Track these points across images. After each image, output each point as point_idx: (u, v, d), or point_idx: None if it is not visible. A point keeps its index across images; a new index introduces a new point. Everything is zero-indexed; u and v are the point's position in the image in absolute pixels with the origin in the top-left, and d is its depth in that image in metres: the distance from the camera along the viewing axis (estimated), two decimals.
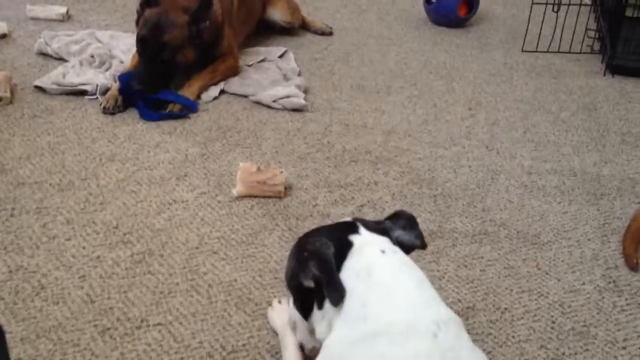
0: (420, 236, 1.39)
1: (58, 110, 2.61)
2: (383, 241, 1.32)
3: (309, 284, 1.29)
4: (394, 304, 1.21)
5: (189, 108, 2.66)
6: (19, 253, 1.84)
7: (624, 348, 1.69)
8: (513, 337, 1.69)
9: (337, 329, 1.25)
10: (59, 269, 1.79)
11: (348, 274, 1.25)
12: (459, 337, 1.20)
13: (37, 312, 1.64)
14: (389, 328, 1.18)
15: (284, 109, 2.74)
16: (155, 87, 2.66)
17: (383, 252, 1.28)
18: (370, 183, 2.31)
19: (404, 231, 1.37)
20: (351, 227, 1.34)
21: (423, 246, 1.40)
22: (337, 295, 1.23)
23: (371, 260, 1.27)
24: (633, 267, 1.96)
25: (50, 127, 2.50)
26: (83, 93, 2.71)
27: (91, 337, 1.59)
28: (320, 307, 1.31)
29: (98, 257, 1.86)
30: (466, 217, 2.16)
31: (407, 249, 1.36)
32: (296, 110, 2.74)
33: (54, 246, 1.88)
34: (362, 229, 1.33)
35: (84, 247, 1.89)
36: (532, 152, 2.58)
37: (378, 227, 1.37)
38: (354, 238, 1.31)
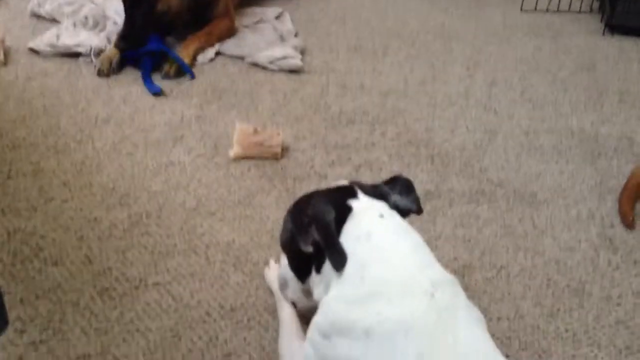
0: (416, 201, 1.39)
1: (52, 72, 2.59)
2: (381, 206, 1.32)
3: (308, 249, 1.29)
4: (391, 266, 1.22)
5: (187, 73, 2.64)
6: (17, 215, 1.84)
7: (619, 305, 1.70)
8: (509, 294, 1.71)
9: (334, 288, 1.26)
10: (56, 231, 1.80)
11: (347, 238, 1.26)
12: (455, 297, 1.21)
13: (36, 273, 1.65)
14: (386, 288, 1.19)
15: (281, 70, 2.72)
16: (138, 40, 2.62)
17: (381, 216, 1.29)
18: (367, 144, 2.30)
19: (400, 196, 1.37)
20: (349, 192, 1.34)
21: (419, 211, 1.40)
22: (340, 260, 1.24)
23: (370, 225, 1.27)
24: (629, 225, 1.97)
25: (45, 89, 2.48)
26: (77, 55, 2.68)
27: (90, 297, 1.60)
28: (319, 271, 1.31)
29: (95, 218, 1.86)
30: (463, 177, 2.16)
31: (403, 213, 1.36)
32: (293, 71, 2.72)
33: (51, 208, 1.88)
34: (360, 194, 1.33)
35: (81, 209, 1.89)
36: (530, 112, 2.57)
37: (375, 192, 1.37)
38: (352, 203, 1.30)
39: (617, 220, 2.00)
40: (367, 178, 2.10)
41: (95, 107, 2.40)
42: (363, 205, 1.31)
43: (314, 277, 1.34)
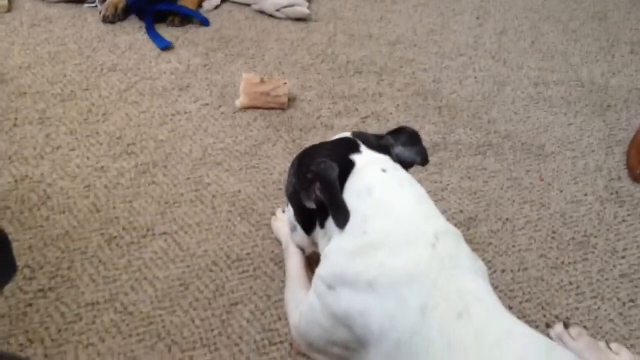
0: (421, 153, 1.37)
1: (57, 18, 2.56)
2: (384, 160, 1.30)
3: (312, 206, 1.29)
4: (393, 218, 1.22)
5: (201, 22, 2.60)
6: (24, 163, 1.84)
7: (624, 258, 1.71)
8: (514, 246, 1.72)
9: (337, 240, 1.26)
10: (64, 179, 1.80)
11: (349, 194, 1.25)
12: (457, 247, 1.21)
13: (44, 221, 1.66)
14: (388, 240, 1.19)
15: (287, 18, 2.68)
16: None
17: (384, 171, 1.27)
18: (375, 94, 2.28)
19: (404, 148, 1.36)
20: (353, 146, 1.32)
21: (423, 163, 1.38)
22: (343, 218, 1.24)
23: (372, 180, 1.26)
24: (636, 179, 1.96)
25: (50, 36, 2.45)
26: (82, 1, 2.64)
27: (98, 245, 1.61)
28: (323, 226, 1.32)
29: (102, 167, 1.87)
30: (471, 129, 2.14)
31: (407, 165, 1.35)
32: (300, 19, 2.68)
33: (59, 156, 1.88)
34: (363, 148, 1.31)
35: (88, 158, 1.89)
36: (539, 62, 2.53)
37: (379, 144, 1.35)
38: (355, 158, 1.29)
39: (624, 173, 1.99)
40: (374, 129, 2.09)
41: (100, 55, 2.38)
42: (366, 160, 1.29)
43: (318, 231, 1.35)
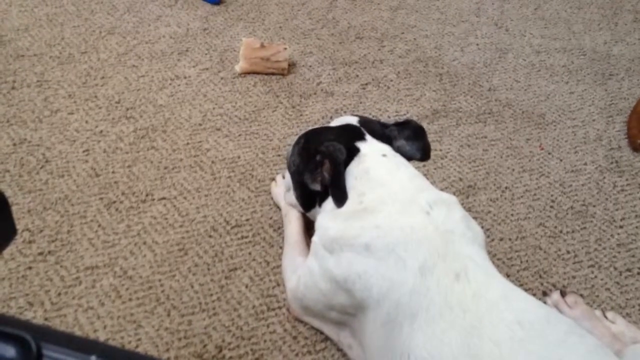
0: (422, 148, 1.40)
1: None
2: (385, 148, 1.34)
3: (316, 187, 1.32)
4: (388, 189, 1.25)
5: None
6: (22, 126, 1.83)
7: (621, 227, 1.72)
8: (512, 215, 1.72)
9: (334, 210, 1.28)
10: (62, 143, 1.80)
11: (349, 177, 1.29)
12: (451, 214, 1.22)
13: (43, 185, 1.66)
14: (383, 206, 1.21)
15: None
16: None
17: (384, 155, 1.31)
18: (375, 61, 2.27)
19: (406, 141, 1.39)
20: (358, 133, 1.36)
21: (422, 158, 1.41)
22: (341, 198, 1.27)
23: (371, 163, 1.30)
24: (636, 148, 1.96)
25: None
26: None
27: (97, 209, 1.61)
28: (321, 205, 1.35)
29: (101, 131, 1.86)
30: (471, 97, 2.13)
31: (407, 158, 1.37)
32: None
33: (57, 120, 1.87)
34: (367, 136, 1.35)
35: (86, 122, 1.88)
36: (542, 30, 2.51)
37: (382, 133, 1.38)
38: (360, 145, 1.33)
39: (624, 142, 1.99)
40: (374, 96, 2.08)
41: (99, 17, 2.35)
42: (369, 148, 1.33)
43: (317, 209, 1.38)
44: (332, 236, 1.24)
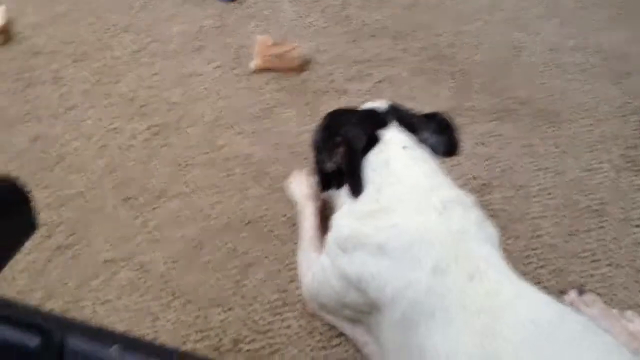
0: (446, 143, 1.36)
1: None
2: (407, 139, 1.32)
3: (330, 167, 1.31)
4: (403, 187, 1.24)
5: None
6: (38, 123, 1.84)
7: (638, 226, 1.70)
8: (527, 213, 1.71)
9: (349, 205, 1.27)
10: (78, 140, 1.80)
11: (368, 166, 1.28)
12: (466, 213, 1.21)
13: (59, 181, 1.67)
14: (398, 206, 1.21)
15: None
16: None
17: (405, 147, 1.29)
18: (389, 59, 2.26)
19: (431, 134, 1.35)
20: (382, 120, 1.34)
21: (448, 153, 1.37)
22: (357, 188, 1.27)
23: (391, 155, 1.28)
24: None
25: None
26: None
27: (113, 205, 1.62)
28: (338, 188, 1.34)
29: (115, 128, 1.86)
30: (486, 95, 2.12)
31: (431, 151, 1.35)
32: None
33: (72, 117, 1.88)
34: (392, 124, 1.33)
35: (101, 119, 1.89)
36: (557, 28, 2.49)
37: (409, 122, 1.35)
38: (382, 133, 1.31)
39: None
40: (388, 94, 2.07)
41: (113, 15, 2.36)
42: (391, 137, 1.31)
43: (333, 191, 1.37)
44: (345, 235, 1.24)
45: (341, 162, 1.29)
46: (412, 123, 1.35)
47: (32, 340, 0.45)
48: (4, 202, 0.56)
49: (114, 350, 0.44)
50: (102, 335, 0.46)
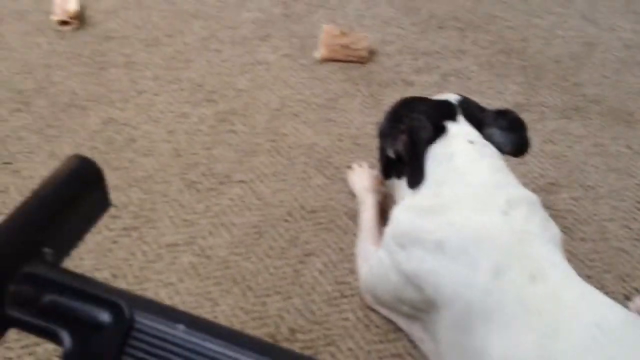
0: (516, 142, 1.33)
1: None
2: (475, 133, 1.30)
3: (391, 154, 1.31)
4: (466, 184, 1.22)
5: None
6: (110, 106, 1.89)
7: None
8: (595, 215, 1.67)
9: (409, 199, 1.27)
10: (148, 123, 1.85)
11: (432, 158, 1.26)
12: (530, 214, 1.18)
13: (129, 163, 1.71)
14: (459, 203, 1.19)
15: None
16: None
17: (471, 142, 1.27)
18: (457, 51, 2.23)
19: (500, 131, 1.33)
20: (451, 112, 1.32)
21: (515, 153, 1.34)
22: (416, 180, 1.26)
23: (456, 149, 1.26)
24: None
25: None
26: None
27: (178, 189, 1.65)
28: (399, 177, 1.34)
29: (184, 113, 1.90)
30: (556, 91, 2.07)
31: (498, 149, 1.32)
32: None
33: (143, 101, 1.93)
34: (460, 117, 1.32)
35: (170, 103, 1.93)
36: (633, 24, 2.41)
37: (477, 117, 1.33)
38: (449, 125, 1.29)
39: None
40: (455, 87, 2.05)
41: (184, 2, 2.40)
42: (457, 130, 1.29)
43: (394, 181, 1.36)
44: (403, 230, 1.23)
45: (403, 150, 1.28)
46: (480, 118, 1.33)
47: (103, 315, 0.46)
48: (80, 178, 0.58)
49: (181, 328, 0.46)
50: (170, 314, 0.47)
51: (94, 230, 1.30)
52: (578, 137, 1.90)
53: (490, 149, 1.29)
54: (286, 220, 1.60)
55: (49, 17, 2.18)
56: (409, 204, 1.27)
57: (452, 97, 1.38)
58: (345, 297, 1.43)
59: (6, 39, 2.11)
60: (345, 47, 2.12)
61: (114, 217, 1.55)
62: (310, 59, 2.15)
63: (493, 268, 1.09)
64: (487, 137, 1.31)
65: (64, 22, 2.15)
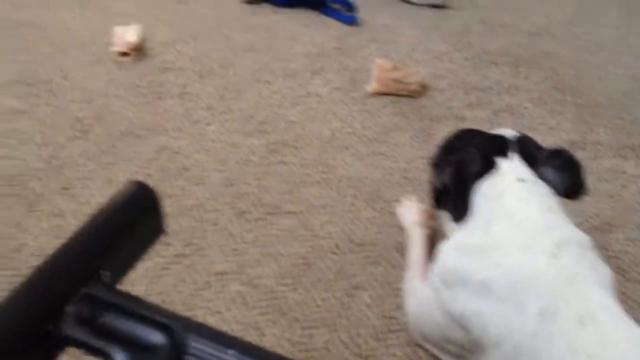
0: (571, 183, 1.29)
1: None
2: (526, 171, 1.28)
3: (437, 183, 1.30)
4: (516, 224, 1.19)
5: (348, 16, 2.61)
6: (165, 135, 1.93)
7: None
8: None
9: (457, 236, 1.25)
10: (200, 152, 1.88)
11: (480, 193, 1.25)
12: (580, 257, 1.15)
13: (180, 191, 1.74)
14: (508, 244, 1.16)
15: (423, 5, 2.64)
16: None
17: (521, 180, 1.25)
18: (510, 87, 2.21)
19: (553, 170, 1.29)
20: (503, 148, 1.30)
21: (567, 195, 1.29)
22: (458, 213, 1.25)
23: (505, 186, 1.24)
24: None
25: (193, 15, 2.56)
26: None
27: (228, 218, 1.67)
28: (446, 210, 1.32)
29: (235, 143, 1.93)
30: (611, 129, 2.03)
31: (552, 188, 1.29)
32: (436, 6, 2.63)
33: (196, 130, 1.96)
34: (512, 154, 1.29)
35: (222, 133, 1.96)
36: None
37: (532, 154, 1.31)
38: (501, 161, 1.28)
39: None
40: (508, 124, 2.03)
41: (237, 35, 2.46)
42: (509, 167, 1.27)
43: (442, 214, 1.36)
44: (449, 268, 1.21)
45: (449, 182, 1.27)
46: (536, 156, 1.31)
47: (157, 337, 0.47)
48: (138, 204, 0.60)
49: (232, 353, 0.46)
50: (222, 339, 0.47)
51: (145, 256, 1.32)
52: (633, 176, 1.85)
53: (541, 188, 1.27)
54: (334, 253, 1.60)
55: (108, 49, 2.26)
56: (456, 241, 1.25)
57: (509, 133, 1.36)
58: (393, 332, 1.41)
59: (68, 69, 2.18)
60: (397, 81, 2.13)
61: (166, 244, 1.57)
62: (361, 92, 2.16)
63: (541, 310, 1.07)
64: (541, 176, 1.28)
65: (123, 54, 2.22)
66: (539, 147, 1.34)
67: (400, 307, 1.46)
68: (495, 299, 1.11)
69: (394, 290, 1.50)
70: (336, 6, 2.61)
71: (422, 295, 1.32)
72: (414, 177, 1.82)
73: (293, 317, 1.42)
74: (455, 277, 1.19)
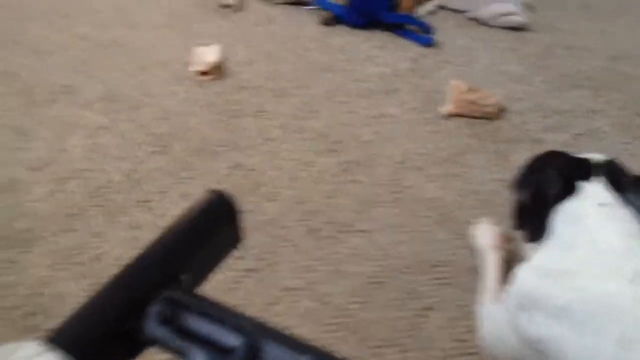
0: None
1: (278, 19, 2.72)
2: (608, 197, 1.24)
3: (518, 205, 1.31)
4: (594, 249, 1.16)
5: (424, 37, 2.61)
6: (239, 152, 1.97)
7: None
8: None
9: (534, 259, 1.22)
10: (273, 170, 1.90)
11: (559, 217, 1.22)
12: None
13: (254, 207, 1.76)
14: (586, 269, 1.13)
15: (501, 27, 2.61)
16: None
17: (602, 205, 1.22)
18: (590, 111, 2.15)
19: (638, 197, 1.25)
20: (586, 171, 1.27)
21: None
22: (535, 235, 1.23)
23: (585, 211, 1.21)
24: None
25: (270, 36, 2.61)
26: (303, 4, 2.78)
27: (299, 235, 1.68)
28: (524, 229, 1.31)
29: (308, 162, 1.94)
30: None
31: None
32: (513, 28, 2.60)
33: (270, 148, 1.99)
34: (596, 178, 1.26)
35: (295, 152, 1.98)
36: None
37: (618, 180, 1.27)
38: (582, 185, 1.25)
39: None
40: (586, 148, 1.96)
41: (313, 55, 2.49)
42: (589, 190, 1.24)
43: (520, 234, 1.35)
44: (525, 291, 1.19)
45: (529, 202, 1.26)
46: (621, 181, 1.27)
47: (233, 340, 0.48)
48: (217, 212, 0.61)
49: (306, 359, 0.46)
50: (296, 345, 0.48)
51: (223, 264, 1.34)
52: None
53: (624, 214, 1.23)
54: (405, 273, 1.58)
55: (187, 68, 2.33)
56: (533, 264, 1.22)
57: (596, 157, 1.33)
58: (464, 355, 1.38)
59: (148, 87, 2.26)
60: (473, 103, 2.10)
61: (238, 258, 1.59)
62: (435, 113, 2.15)
63: (619, 338, 1.03)
64: (628, 202, 1.25)
65: (203, 73, 2.28)
66: (624, 172, 1.30)
67: (471, 330, 1.43)
68: (572, 324, 1.08)
69: (465, 313, 1.47)
70: (413, 28, 2.61)
71: (497, 318, 1.30)
72: (487, 199, 1.79)
73: (363, 336, 1.41)
74: (533, 300, 1.16)
